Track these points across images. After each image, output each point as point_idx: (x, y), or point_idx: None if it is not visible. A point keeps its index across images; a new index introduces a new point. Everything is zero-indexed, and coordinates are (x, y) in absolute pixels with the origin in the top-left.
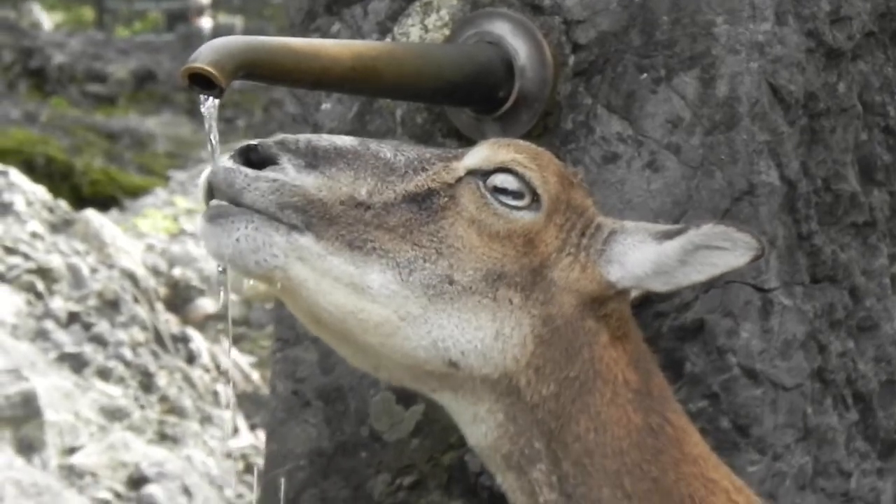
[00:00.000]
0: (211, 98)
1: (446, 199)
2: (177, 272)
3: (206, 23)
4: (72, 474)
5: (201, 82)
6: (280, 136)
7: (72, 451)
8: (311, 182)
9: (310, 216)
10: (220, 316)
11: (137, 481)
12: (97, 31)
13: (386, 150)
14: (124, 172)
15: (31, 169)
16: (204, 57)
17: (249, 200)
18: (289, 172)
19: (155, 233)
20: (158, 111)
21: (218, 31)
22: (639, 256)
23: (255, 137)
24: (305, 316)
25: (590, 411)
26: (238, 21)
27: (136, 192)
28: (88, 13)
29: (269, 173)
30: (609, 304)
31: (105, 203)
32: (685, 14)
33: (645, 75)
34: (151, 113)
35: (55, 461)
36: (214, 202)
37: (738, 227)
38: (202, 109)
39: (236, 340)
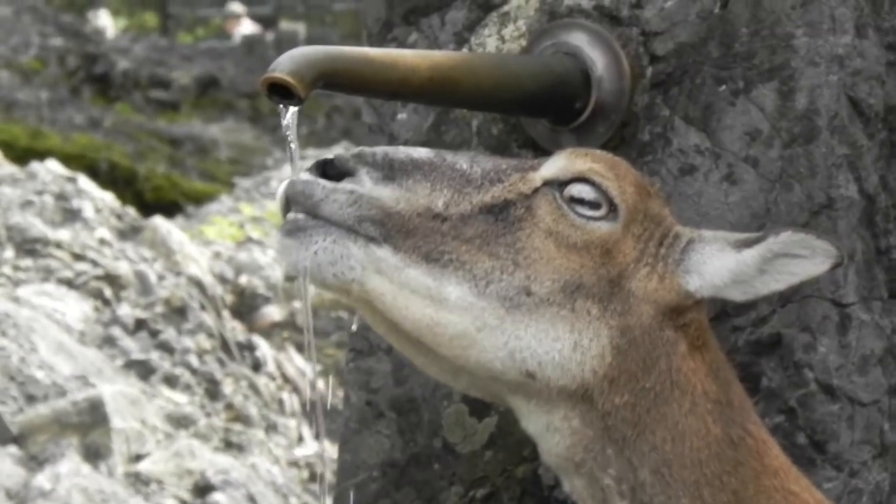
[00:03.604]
0: (290, 108)
1: (523, 210)
2: (243, 280)
3: (245, 29)
4: (138, 482)
5: (280, 92)
6: (357, 150)
7: (138, 458)
8: (388, 194)
9: (387, 228)
10: (285, 324)
11: (203, 489)
12: (161, 38)
13: (462, 161)
14: (187, 178)
15: (95, 174)
16: (283, 66)
17: (327, 212)
18: (366, 184)
19: (221, 240)
20: (221, 118)
21: (281, 38)
22: (717, 265)
23: (318, 144)
24: (382, 327)
25: (667, 421)
26: (301, 28)
27: (199, 199)
28: (151, 19)
29: (346, 185)
30: (687, 314)
31: (168, 209)
32: (764, 26)
33: (723, 87)
34: (214, 119)
35: (121, 468)
36: (291, 216)
37: (817, 235)
38: (283, 121)
39: (302, 348)
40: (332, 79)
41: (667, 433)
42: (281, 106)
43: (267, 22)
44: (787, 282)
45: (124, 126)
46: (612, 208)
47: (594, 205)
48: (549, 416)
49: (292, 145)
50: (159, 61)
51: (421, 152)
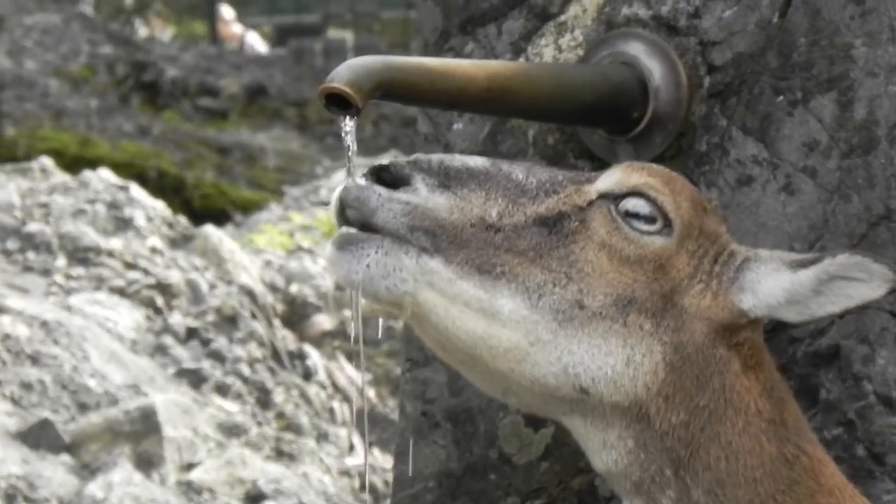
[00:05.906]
0: (348, 118)
1: (577, 222)
2: (294, 289)
3: (236, 35)
4: (190, 490)
5: (337, 102)
6: (413, 156)
7: (190, 466)
8: (442, 204)
9: (439, 240)
10: (336, 333)
11: (255, 498)
12: (209, 46)
13: (518, 171)
14: (235, 186)
15: (144, 182)
16: (341, 77)
17: (381, 221)
18: (421, 193)
19: (272, 249)
20: (269, 126)
21: (328, 47)
22: (772, 285)
23: (365, 152)
24: (433, 341)
25: (720, 440)
26: (348, 36)
27: (247, 207)
28: (200, 27)
29: (401, 195)
30: (741, 332)
31: (216, 217)
32: (823, 36)
33: (781, 97)
34: (262, 128)
35: (173, 477)
36: (344, 230)
37: (874, 258)
38: (342, 132)
39: (352, 358)
40: (390, 89)
41: (720, 452)
42: (342, 117)
43: (315, 30)
44: (843, 304)
45: (173, 134)
46: (667, 223)
47: (649, 219)
48: (605, 433)
49: (351, 155)
50: (208, 69)
51: (477, 161)
